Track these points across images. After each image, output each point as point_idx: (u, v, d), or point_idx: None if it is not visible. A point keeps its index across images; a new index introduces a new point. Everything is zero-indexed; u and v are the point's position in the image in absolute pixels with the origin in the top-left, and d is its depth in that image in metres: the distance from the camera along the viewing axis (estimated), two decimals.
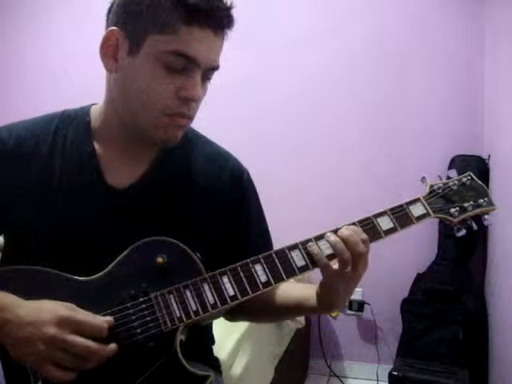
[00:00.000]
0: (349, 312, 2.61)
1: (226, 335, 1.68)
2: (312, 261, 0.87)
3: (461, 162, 2.37)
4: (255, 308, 1.01)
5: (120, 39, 0.87)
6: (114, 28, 0.87)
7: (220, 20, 0.86)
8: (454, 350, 2.20)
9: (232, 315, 1.07)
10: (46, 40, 2.90)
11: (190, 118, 0.91)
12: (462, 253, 2.35)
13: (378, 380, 2.54)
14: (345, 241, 0.84)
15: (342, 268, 0.84)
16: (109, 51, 0.88)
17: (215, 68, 0.90)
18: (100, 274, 0.88)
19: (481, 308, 2.29)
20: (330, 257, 0.86)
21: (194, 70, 0.86)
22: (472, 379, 2.09)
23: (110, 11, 0.90)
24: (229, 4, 0.87)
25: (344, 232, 0.85)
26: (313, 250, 0.86)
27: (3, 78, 3.00)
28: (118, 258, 0.89)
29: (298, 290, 0.99)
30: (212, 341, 1.14)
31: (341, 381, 2.60)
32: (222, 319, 1.05)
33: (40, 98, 2.78)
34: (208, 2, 0.83)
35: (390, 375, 2.09)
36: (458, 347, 2.20)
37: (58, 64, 2.84)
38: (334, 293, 0.89)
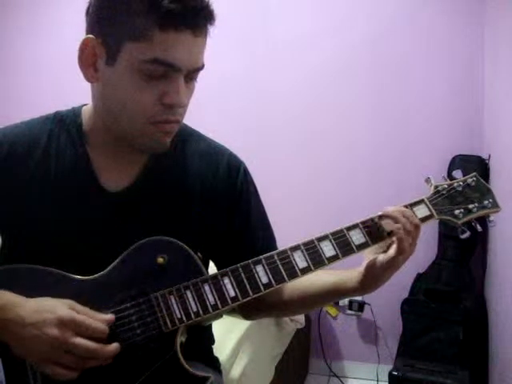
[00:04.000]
0: (349, 312, 2.61)
1: (226, 335, 1.68)
2: (314, 262, 0.87)
3: (461, 162, 2.37)
4: (291, 300, 1.00)
5: (97, 47, 0.84)
6: (90, 36, 0.84)
7: (198, 20, 0.81)
8: (454, 350, 2.20)
9: (249, 313, 1.06)
10: (47, 38, 2.90)
11: (178, 122, 0.89)
12: (462, 253, 2.34)
13: (377, 380, 2.53)
14: (401, 213, 0.88)
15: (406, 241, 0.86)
16: (87, 61, 0.85)
17: (199, 69, 0.87)
18: (100, 273, 0.88)
19: (481, 308, 2.29)
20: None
21: (176, 74, 0.83)
22: (472, 379, 2.09)
23: (87, 12, 0.87)
24: (205, 2, 0.82)
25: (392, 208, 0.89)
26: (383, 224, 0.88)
27: (4, 77, 3.00)
28: (119, 258, 0.88)
29: (330, 276, 0.98)
30: (212, 341, 1.14)
31: (341, 381, 2.60)
32: (222, 319, 1.05)
33: (41, 97, 2.78)
34: (182, 4, 0.79)
35: (390, 375, 2.09)
36: (458, 347, 2.19)
37: (58, 62, 2.84)
38: (389, 269, 0.89)
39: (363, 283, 0.92)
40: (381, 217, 0.90)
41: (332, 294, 0.98)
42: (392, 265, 0.88)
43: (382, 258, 0.88)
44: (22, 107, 2.38)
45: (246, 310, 1.06)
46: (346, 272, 0.96)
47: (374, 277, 0.91)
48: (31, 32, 2.95)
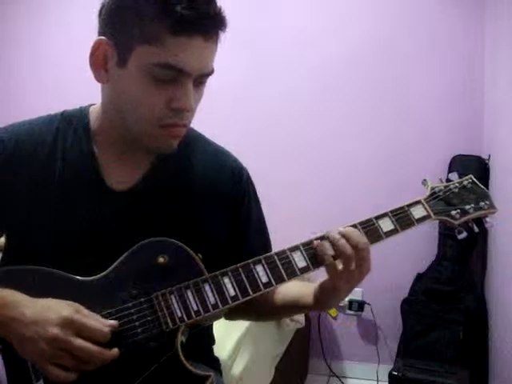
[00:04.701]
0: (349, 312, 2.61)
1: (226, 335, 1.68)
2: (313, 262, 0.87)
3: (461, 162, 2.37)
4: (255, 307, 1.01)
5: (108, 49, 0.85)
6: (102, 38, 0.85)
7: (209, 26, 0.82)
8: (454, 350, 2.20)
9: (230, 314, 1.08)
10: (47, 39, 2.91)
11: (185, 126, 0.90)
12: (462, 253, 2.35)
13: (377, 380, 2.53)
14: (347, 238, 0.85)
15: (347, 266, 0.84)
16: (98, 62, 0.86)
17: (208, 74, 0.88)
18: (102, 274, 0.88)
19: (481, 308, 2.30)
20: (333, 257, 0.86)
21: (185, 79, 0.83)
22: (472, 379, 2.09)
23: (100, 13, 0.87)
24: (218, 9, 0.83)
25: (345, 230, 0.86)
26: (319, 250, 0.86)
27: (5, 76, 3.00)
28: (120, 258, 0.89)
29: (294, 287, 0.99)
30: (212, 341, 1.14)
31: (341, 381, 2.60)
32: (222, 319, 1.06)
33: (41, 97, 2.78)
34: (196, 11, 0.79)
35: (390, 375, 2.09)
36: (458, 347, 2.20)
37: (59, 64, 2.85)
38: (335, 292, 0.89)
39: (318, 301, 0.93)
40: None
41: (294, 307, 1.00)
42: (337, 289, 0.87)
43: (328, 281, 0.88)
44: (22, 108, 2.38)
45: (229, 312, 1.07)
46: (310, 286, 0.96)
47: (326, 296, 0.91)
48: (32, 32, 2.95)
